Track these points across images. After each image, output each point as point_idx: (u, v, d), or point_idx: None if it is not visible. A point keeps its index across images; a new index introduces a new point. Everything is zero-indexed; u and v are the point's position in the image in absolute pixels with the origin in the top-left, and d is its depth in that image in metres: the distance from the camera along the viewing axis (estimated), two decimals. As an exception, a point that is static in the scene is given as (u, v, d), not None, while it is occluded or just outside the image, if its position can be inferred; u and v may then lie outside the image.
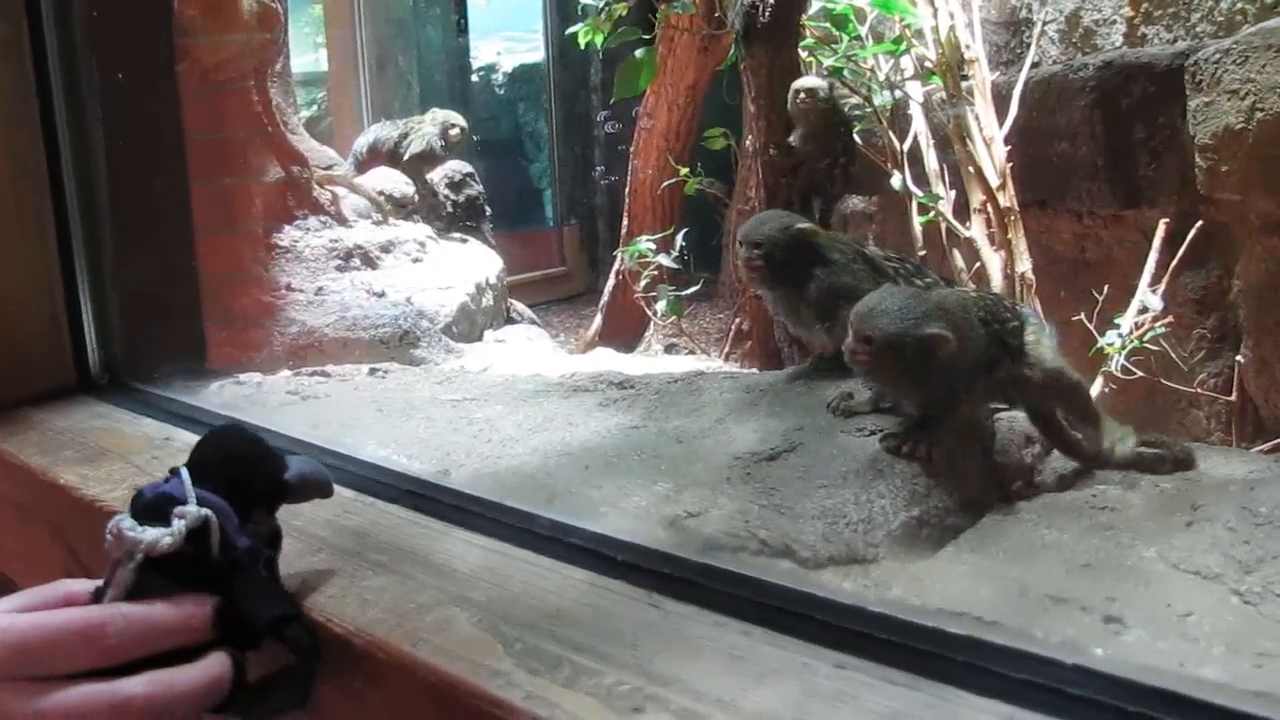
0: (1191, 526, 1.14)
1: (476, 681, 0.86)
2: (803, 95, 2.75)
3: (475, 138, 7.36)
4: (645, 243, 4.28)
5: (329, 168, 3.32)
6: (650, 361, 3.81)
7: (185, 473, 0.93)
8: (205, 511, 0.90)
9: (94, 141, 1.85)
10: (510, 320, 3.87)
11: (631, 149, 5.04)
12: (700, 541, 1.15)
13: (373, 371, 2.16)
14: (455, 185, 4.13)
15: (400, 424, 1.67)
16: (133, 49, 1.92)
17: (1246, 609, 0.96)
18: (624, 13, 4.06)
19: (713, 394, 1.63)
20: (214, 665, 0.88)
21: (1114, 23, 3.38)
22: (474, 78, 7.78)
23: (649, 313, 4.40)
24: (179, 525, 0.88)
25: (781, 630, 0.90)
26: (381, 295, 2.96)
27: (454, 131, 3.94)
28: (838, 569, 1.09)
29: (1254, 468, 1.42)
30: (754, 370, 3.31)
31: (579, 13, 4.20)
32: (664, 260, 4.18)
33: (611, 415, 1.61)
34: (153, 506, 0.90)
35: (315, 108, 6.66)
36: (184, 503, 0.90)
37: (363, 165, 3.87)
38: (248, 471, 0.97)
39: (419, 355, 2.84)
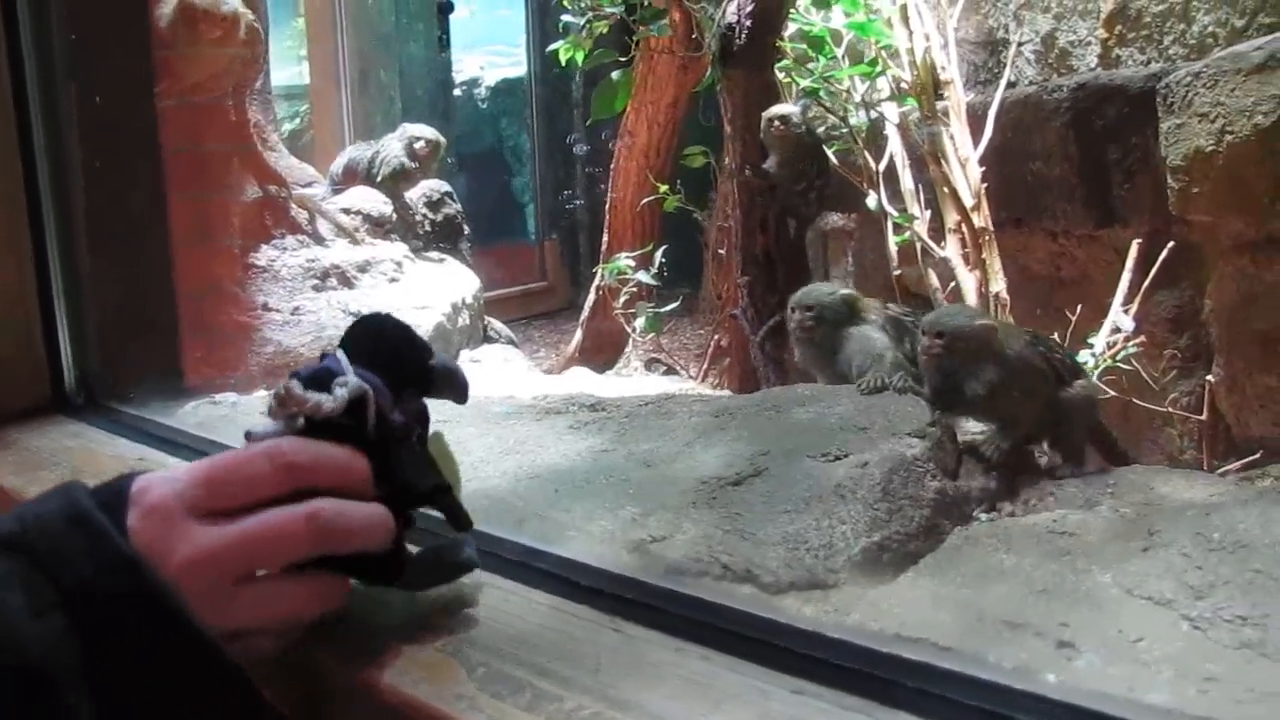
0: (1148, 552, 1.15)
1: (438, 705, 0.86)
2: (776, 123, 2.77)
3: (456, 153, 7.41)
4: (624, 260, 4.29)
5: (308, 185, 3.33)
6: (623, 383, 3.82)
7: (343, 358, 0.94)
8: (364, 384, 0.91)
9: (71, 160, 1.84)
10: (488, 339, 3.88)
11: (611, 166, 5.05)
12: (664, 566, 1.16)
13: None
14: (433, 204, 4.14)
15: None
16: (111, 68, 1.91)
17: (1196, 634, 0.98)
18: (605, 30, 4.07)
19: (682, 417, 1.64)
20: (380, 508, 0.90)
21: (1089, 44, 3.41)
22: (457, 92, 7.79)
23: (628, 330, 4.41)
24: (341, 392, 0.89)
25: (741, 656, 0.91)
26: (358, 315, 2.95)
27: (419, 144, 3.94)
28: (799, 594, 1.10)
29: (1214, 491, 1.44)
30: (725, 392, 3.33)
31: (559, 29, 4.21)
32: (643, 277, 4.20)
33: (582, 438, 1.62)
34: (313, 379, 0.91)
35: (298, 121, 6.67)
36: (343, 376, 0.92)
37: (339, 187, 3.87)
38: (399, 352, 0.98)
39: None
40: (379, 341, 0.98)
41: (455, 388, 1.04)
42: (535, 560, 1.10)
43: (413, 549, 1.00)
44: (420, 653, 0.94)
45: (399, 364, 0.97)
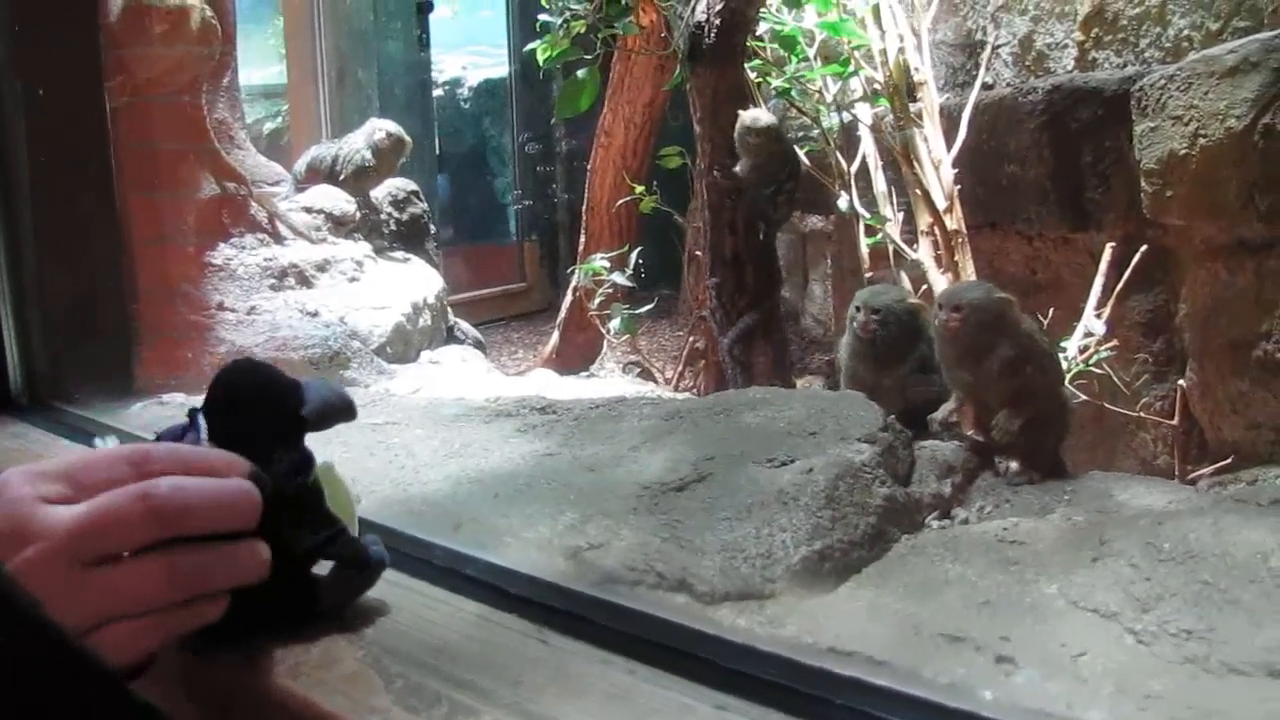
0: (1097, 562, 1.12)
1: (351, 719, 0.84)
2: (753, 135, 2.75)
3: (438, 154, 7.38)
4: (599, 260, 4.26)
5: (275, 183, 3.29)
6: (582, 385, 3.78)
7: (202, 424, 0.91)
8: None
9: (16, 155, 1.82)
10: (455, 339, 3.84)
11: (588, 167, 5.03)
12: (599, 574, 1.13)
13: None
14: (399, 203, 4.10)
15: (315, 448, 1.64)
16: (58, 62, 1.89)
17: (1140, 649, 0.95)
18: (582, 30, 4.04)
19: (631, 421, 1.61)
20: (240, 482, 0.87)
21: (1066, 47, 3.38)
22: (439, 92, 7.77)
23: (603, 331, 4.38)
24: None
25: (667, 669, 0.88)
26: (314, 315, 2.92)
27: (379, 136, 3.89)
28: (733, 605, 1.06)
29: (1173, 498, 1.42)
30: (684, 395, 3.30)
31: (537, 29, 4.18)
32: (618, 278, 4.17)
33: (528, 441, 1.59)
34: None
35: (280, 119, 6.63)
36: None
37: (301, 184, 3.82)
38: (262, 414, 0.93)
39: (349, 376, 2.80)
40: (240, 408, 0.93)
41: (338, 414, 0.99)
42: (465, 567, 1.07)
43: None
44: (339, 662, 0.92)
45: (263, 425, 0.93)
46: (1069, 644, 0.96)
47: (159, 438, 0.93)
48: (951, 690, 0.88)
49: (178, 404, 1.99)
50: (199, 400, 0.95)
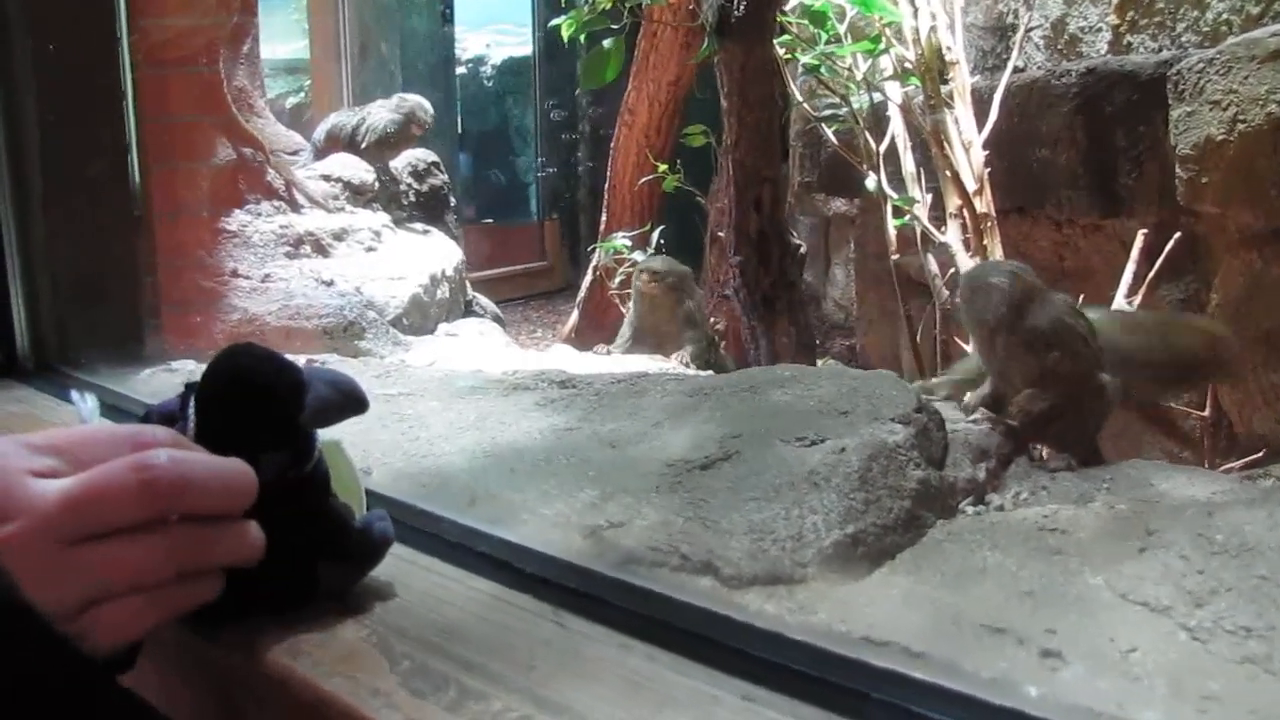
0: (1144, 553, 1.07)
1: (352, 702, 0.79)
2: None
3: (460, 130, 7.36)
4: (621, 239, 4.23)
5: (294, 152, 3.26)
6: (602, 361, 3.74)
7: (191, 416, 0.85)
8: None
9: (25, 114, 1.78)
10: (473, 313, 3.81)
11: (611, 145, 5.00)
12: (619, 554, 1.08)
13: (308, 364, 2.09)
14: (419, 174, 4.05)
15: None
16: (70, 18, 1.85)
17: (1194, 645, 0.89)
18: (608, 5, 4.00)
19: (654, 396, 1.56)
20: (238, 461, 0.81)
21: (1100, 30, 3.33)
22: (463, 69, 7.75)
23: (623, 310, 4.35)
24: None
25: (689, 656, 0.83)
26: (330, 284, 2.89)
27: (407, 113, 3.86)
28: (761, 589, 1.01)
29: (1218, 488, 1.36)
30: (705, 373, 3.26)
31: (562, 4, 4.14)
32: (639, 258, 4.14)
33: (547, 415, 1.54)
34: None
35: (303, 94, 6.62)
36: None
37: (320, 152, 3.79)
38: (253, 416, 0.86)
39: (364, 347, 2.77)
40: (231, 410, 0.86)
41: (342, 411, 0.91)
42: (478, 544, 1.03)
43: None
44: (342, 642, 0.88)
45: (253, 431, 0.86)
46: (1118, 639, 0.91)
47: (148, 414, 0.88)
48: (994, 686, 0.83)
49: (186, 371, 1.95)
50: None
